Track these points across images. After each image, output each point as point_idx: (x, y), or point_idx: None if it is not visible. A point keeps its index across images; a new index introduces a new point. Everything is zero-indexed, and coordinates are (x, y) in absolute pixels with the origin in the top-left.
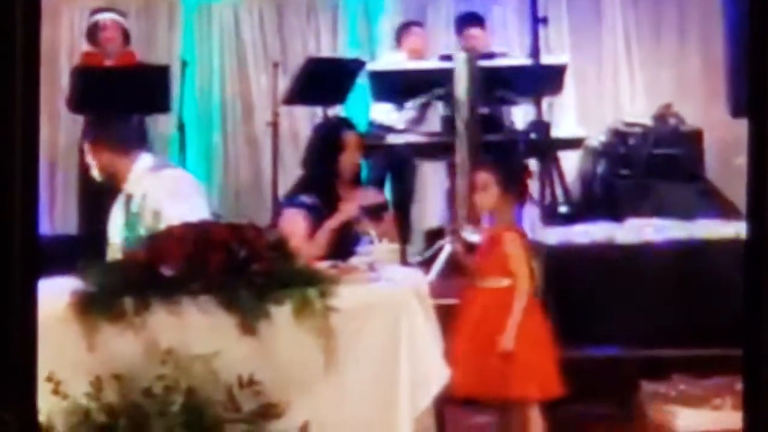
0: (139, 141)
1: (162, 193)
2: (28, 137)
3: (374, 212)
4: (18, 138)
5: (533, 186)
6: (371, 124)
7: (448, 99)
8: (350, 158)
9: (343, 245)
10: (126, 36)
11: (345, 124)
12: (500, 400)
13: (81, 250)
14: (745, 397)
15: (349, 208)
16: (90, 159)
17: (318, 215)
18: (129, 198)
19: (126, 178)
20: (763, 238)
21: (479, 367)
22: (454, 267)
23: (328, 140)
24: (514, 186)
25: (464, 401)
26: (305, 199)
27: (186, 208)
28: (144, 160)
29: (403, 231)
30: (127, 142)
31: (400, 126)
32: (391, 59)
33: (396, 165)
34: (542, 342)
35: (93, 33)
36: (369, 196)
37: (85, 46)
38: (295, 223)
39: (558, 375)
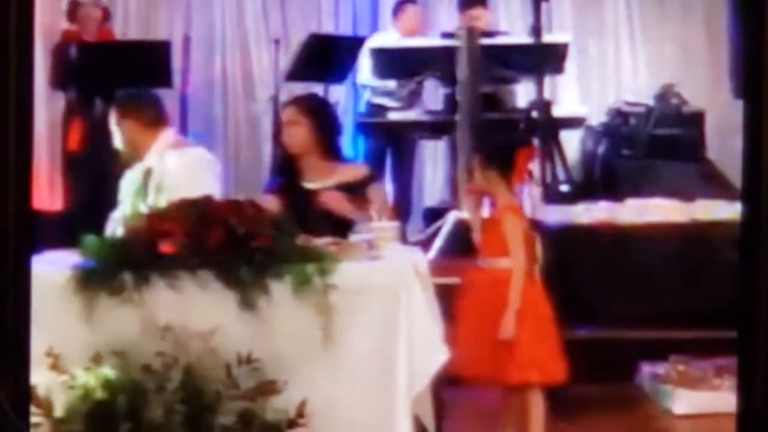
0: (164, 116)
1: (181, 172)
2: (22, 114)
3: (353, 189)
4: (11, 115)
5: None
6: (368, 103)
7: (450, 77)
8: (286, 135)
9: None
10: (106, 14)
11: (291, 100)
12: (500, 384)
13: (77, 224)
14: (740, 378)
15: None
16: (115, 129)
17: (286, 196)
18: (149, 171)
19: (148, 152)
20: (758, 219)
21: (479, 349)
22: (454, 245)
23: (277, 118)
24: (508, 168)
25: (465, 382)
26: (273, 182)
27: (198, 189)
28: (167, 135)
29: (403, 209)
30: (153, 116)
31: (395, 104)
32: (384, 38)
33: (395, 143)
34: (544, 326)
35: (73, 11)
36: (347, 173)
37: (63, 24)
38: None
39: (560, 359)
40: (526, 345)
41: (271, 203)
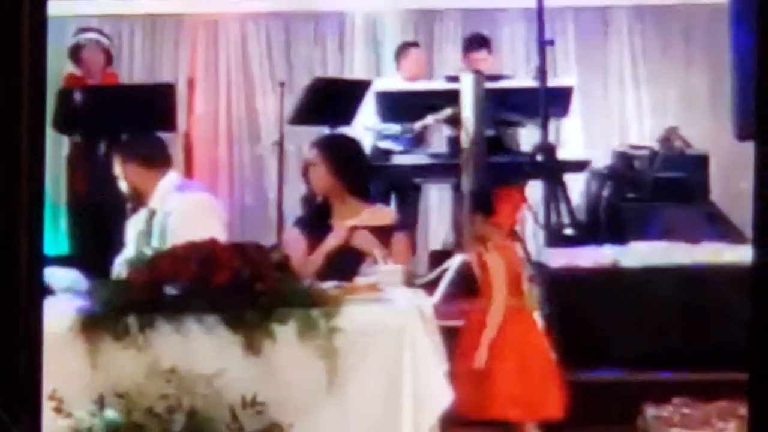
0: (167, 159)
1: (185, 215)
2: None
3: (379, 232)
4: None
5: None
6: (373, 146)
7: (454, 120)
8: (309, 176)
9: (345, 264)
10: (109, 57)
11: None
12: (491, 421)
13: (83, 269)
14: (750, 423)
15: (339, 233)
16: (119, 171)
17: (313, 232)
18: (152, 214)
19: (151, 194)
20: None
21: (469, 385)
22: (458, 288)
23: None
24: (489, 211)
25: (467, 422)
26: (303, 216)
27: (202, 233)
28: (170, 178)
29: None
30: (157, 159)
31: (400, 148)
32: (387, 82)
33: (400, 186)
34: (534, 362)
35: (75, 53)
36: (375, 216)
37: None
38: (294, 242)
39: (553, 397)
40: (508, 381)
41: (295, 238)
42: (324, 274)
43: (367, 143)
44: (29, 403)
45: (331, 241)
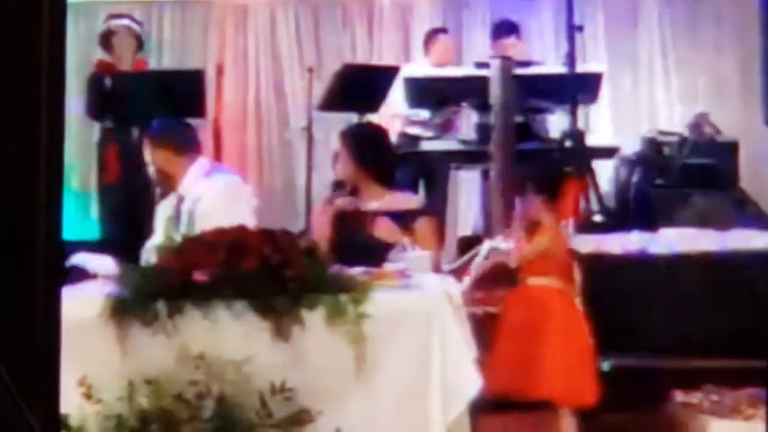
0: (197, 144)
1: (213, 200)
2: (53, 142)
3: (405, 218)
4: (42, 144)
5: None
6: (401, 133)
7: (484, 106)
8: (339, 168)
9: (372, 251)
10: (140, 43)
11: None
12: (529, 399)
13: (113, 254)
14: None
15: (342, 201)
16: (149, 158)
17: (339, 213)
18: (181, 199)
19: (181, 180)
20: None
21: (512, 365)
22: (487, 275)
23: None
24: (555, 197)
25: (499, 406)
26: (331, 196)
27: (231, 218)
28: (200, 164)
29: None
30: (187, 145)
31: (428, 133)
32: (415, 68)
33: (428, 172)
34: (579, 347)
35: (106, 39)
36: (397, 201)
37: (98, 54)
38: (320, 215)
39: (591, 384)
40: (557, 361)
41: (323, 216)
42: (349, 259)
43: (396, 129)
44: (46, 394)
45: (338, 203)
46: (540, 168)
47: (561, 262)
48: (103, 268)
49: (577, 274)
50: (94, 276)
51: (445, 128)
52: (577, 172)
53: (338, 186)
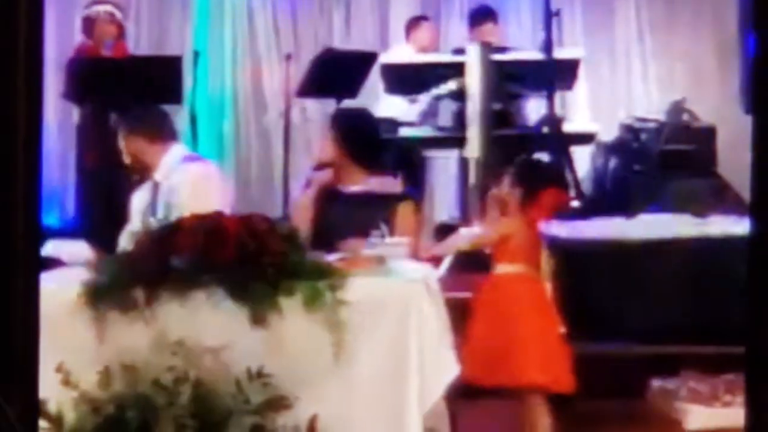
0: (172, 131)
1: (189, 187)
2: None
3: (385, 201)
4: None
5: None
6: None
7: (461, 93)
8: (322, 149)
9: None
10: (121, 29)
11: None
12: (506, 386)
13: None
14: (748, 394)
15: (322, 175)
16: (122, 146)
17: (320, 195)
18: (157, 186)
19: (156, 168)
20: (766, 233)
21: (486, 352)
22: (464, 260)
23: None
24: (531, 198)
25: (475, 389)
26: (309, 179)
27: (207, 204)
28: (175, 151)
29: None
30: (162, 132)
31: (411, 119)
32: (398, 53)
33: (406, 159)
34: (550, 332)
35: (88, 25)
36: (377, 185)
37: (78, 38)
38: (299, 198)
39: (566, 369)
40: (529, 347)
41: (303, 198)
42: (323, 241)
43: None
44: (25, 384)
45: (311, 190)
46: (523, 162)
47: (528, 249)
48: (76, 255)
49: (546, 261)
50: (65, 264)
51: (429, 116)
52: (554, 157)
53: (319, 169)
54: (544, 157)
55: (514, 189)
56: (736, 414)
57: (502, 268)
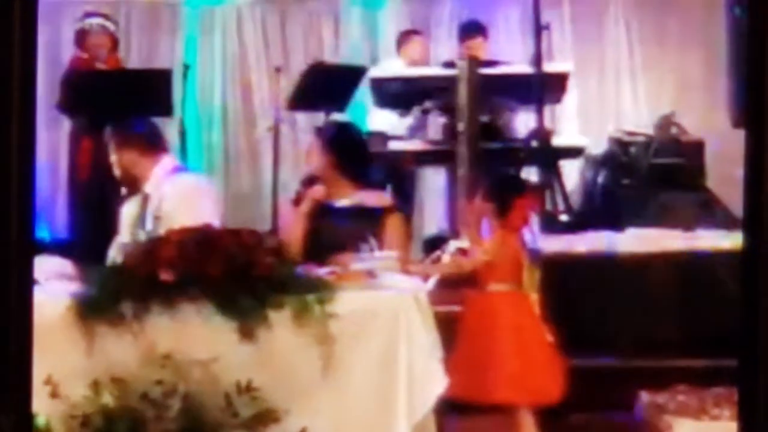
0: (161, 144)
1: (178, 199)
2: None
3: (374, 215)
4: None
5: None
6: (369, 132)
7: (450, 106)
8: (312, 163)
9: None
10: (114, 41)
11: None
12: (486, 403)
13: (81, 252)
14: (740, 408)
15: (315, 190)
16: (113, 158)
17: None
18: (146, 198)
19: (146, 179)
20: (759, 247)
21: (469, 369)
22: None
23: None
24: (504, 209)
25: (463, 407)
26: (298, 194)
27: (195, 217)
28: (165, 163)
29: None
30: (154, 144)
31: (401, 133)
32: (390, 67)
33: (396, 172)
34: (535, 346)
35: (82, 37)
36: (367, 198)
37: (72, 51)
38: (286, 213)
39: (553, 382)
40: (510, 364)
41: (289, 212)
42: (313, 255)
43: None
44: (19, 394)
45: (307, 201)
46: (493, 177)
47: (512, 267)
48: (52, 274)
49: (528, 276)
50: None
51: (418, 129)
52: (543, 171)
53: (308, 183)
54: (532, 170)
55: (486, 203)
56: (724, 427)
57: (489, 287)
